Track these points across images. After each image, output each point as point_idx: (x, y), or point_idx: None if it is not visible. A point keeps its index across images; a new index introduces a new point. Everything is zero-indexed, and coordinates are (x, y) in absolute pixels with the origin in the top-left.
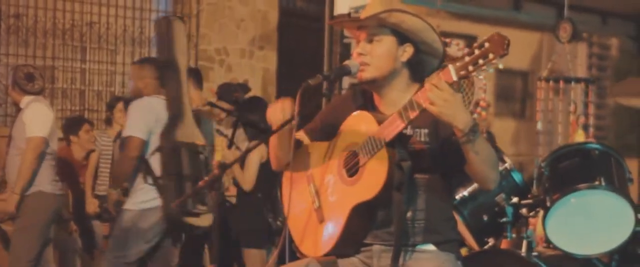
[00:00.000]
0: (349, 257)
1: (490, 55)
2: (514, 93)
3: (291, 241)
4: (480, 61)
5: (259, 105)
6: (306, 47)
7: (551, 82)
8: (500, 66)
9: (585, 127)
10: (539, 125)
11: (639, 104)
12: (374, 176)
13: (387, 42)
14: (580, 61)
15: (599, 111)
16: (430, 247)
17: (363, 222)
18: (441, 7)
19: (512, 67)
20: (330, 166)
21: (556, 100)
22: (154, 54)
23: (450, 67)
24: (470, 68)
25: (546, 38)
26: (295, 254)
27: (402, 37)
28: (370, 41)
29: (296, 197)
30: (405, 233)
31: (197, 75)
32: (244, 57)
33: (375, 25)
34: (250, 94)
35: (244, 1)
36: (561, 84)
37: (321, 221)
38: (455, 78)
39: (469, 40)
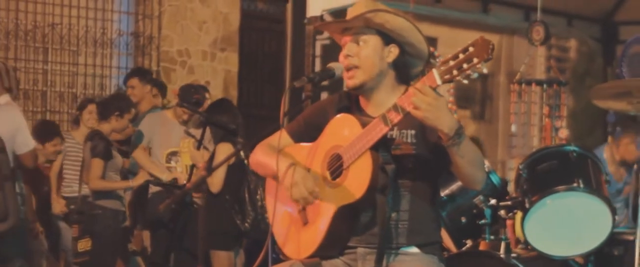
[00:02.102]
0: (333, 259)
1: (475, 60)
2: (474, 95)
3: (274, 243)
4: (465, 65)
5: (228, 106)
6: (267, 49)
7: (523, 85)
8: (485, 71)
9: (556, 130)
10: (513, 128)
11: (615, 107)
12: (358, 179)
13: (373, 42)
14: (539, 63)
15: (557, 112)
16: (414, 249)
17: (347, 224)
18: (414, 10)
19: None
20: (313, 168)
21: (529, 103)
22: (116, 56)
23: (434, 71)
24: (455, 72)
25: (505, 40)
26: (278, 257)
27: (387, 37)
28: (356, 42)
29: (280, 200)
30: (389, 235)
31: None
32: (205, 59)
33: (361, 26)
34: (211, 96)
35: (205, 3)
36: (533, 86)
37: (305, 223)
38: (439, 82)
39: (430, 42)
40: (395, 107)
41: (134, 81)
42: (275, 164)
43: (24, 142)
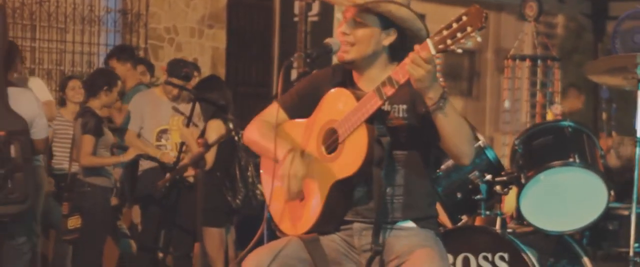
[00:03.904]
0: (330, 235)
1: (469, 29)
2: (461, 72)
3: (270, 219)
4: (459, 34)
5: (217, 83)
6: (256, 26)
7: (517, 61)
8: (479, 39)
9: (549, 105)
10: (507, 104)
11: (610, 82)
12: (354, 152)
13: (371, 25)
14: (528, 39)
15: (546, 90)
16: (410, 224)
17: (343, 198)
18: None
19: None
20: (309, 143)
21: (523, 79)
22: (103, 33)
23: (428, 41)
24: (449, 41)
25: (493, 17)
26: (274, 234)
27: (388, 22)
28: (354, 22)
29: (276, 176)
30: (385, 209)
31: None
32: (193, 36)
33: (363, 9)
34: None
35: None
36: (527, 61)
37: (301, 199)
38: (433, 52)
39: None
40: (389, 81)
41: (113, 62)
42: (273, 148)
43: (43, 128)
